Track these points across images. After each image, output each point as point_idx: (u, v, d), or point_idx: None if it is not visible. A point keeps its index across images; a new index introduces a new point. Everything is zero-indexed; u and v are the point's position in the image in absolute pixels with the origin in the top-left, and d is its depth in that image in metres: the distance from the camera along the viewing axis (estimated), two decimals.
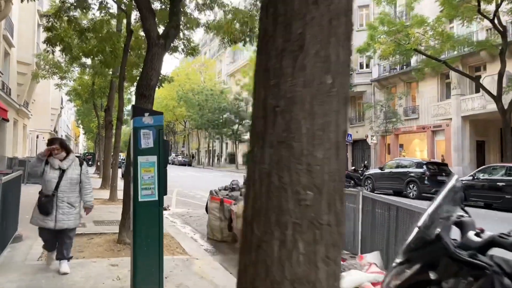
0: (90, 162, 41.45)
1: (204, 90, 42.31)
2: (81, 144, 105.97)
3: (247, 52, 47.69)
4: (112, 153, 15.05)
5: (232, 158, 57.44)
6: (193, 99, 44.22)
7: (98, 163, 24.62)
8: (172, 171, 34.47)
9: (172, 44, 8.71)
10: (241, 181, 7.94)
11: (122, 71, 11.23)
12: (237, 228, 6.10)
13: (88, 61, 22.64)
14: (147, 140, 3.66)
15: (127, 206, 6.06)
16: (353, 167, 20.07)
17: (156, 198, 3.67)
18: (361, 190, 5.30)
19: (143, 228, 3.64)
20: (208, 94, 40.77)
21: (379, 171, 16.46)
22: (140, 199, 3.64)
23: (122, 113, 11.73)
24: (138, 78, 6.95)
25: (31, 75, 22.85)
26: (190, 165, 53.45)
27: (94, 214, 8.64)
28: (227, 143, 59.24)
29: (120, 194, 9.74)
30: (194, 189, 17.00)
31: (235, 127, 41.01)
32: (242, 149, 46.81)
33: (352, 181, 18.43)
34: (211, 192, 7.58)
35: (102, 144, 22.32)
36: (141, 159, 3.66)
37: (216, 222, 7.10)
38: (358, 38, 29.10)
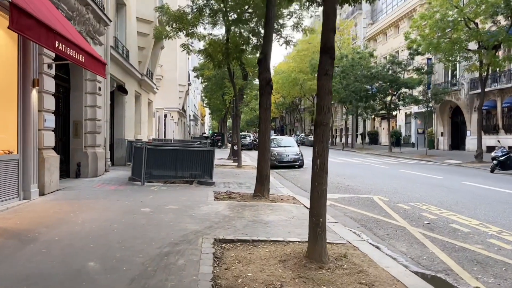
0: (219, 144, 37.19)
1: (350, 54, 34.03)
2: (206, 124, 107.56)
3: (396, 3, 37.77)
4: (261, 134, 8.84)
5: (374, 138, 48.54)
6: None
7: (235, 147, 19.01)
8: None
9: None
10: None
11: None
12: None
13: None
14: None
15: None
16: None
17: None
18: None
19: None
20: (356, 59, 32.41)
21: None
22: None
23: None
24: None
25: (153, 36, 18.08)
26: None
27: None
28: (365, 120, 50.39)
29: None
30: (412, 200, 9.35)
31: (388, 98, 32.14)
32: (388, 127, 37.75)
33: None
34: None
35: (227, 122, 16.38)
36: None
37: None
38: None
